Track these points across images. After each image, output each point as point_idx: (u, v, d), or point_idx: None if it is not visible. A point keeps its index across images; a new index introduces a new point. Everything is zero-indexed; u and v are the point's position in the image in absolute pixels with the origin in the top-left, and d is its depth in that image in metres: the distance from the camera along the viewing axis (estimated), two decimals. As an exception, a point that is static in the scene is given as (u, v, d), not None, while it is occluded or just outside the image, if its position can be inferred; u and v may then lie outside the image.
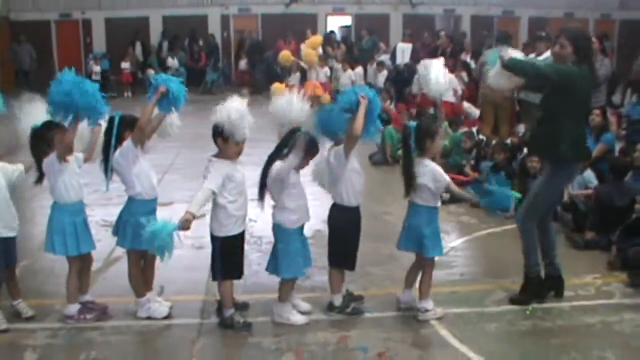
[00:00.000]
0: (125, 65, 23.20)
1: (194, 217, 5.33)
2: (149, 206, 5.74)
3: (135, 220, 5.64)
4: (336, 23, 26.57)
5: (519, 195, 6.25)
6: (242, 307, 5.89)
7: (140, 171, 5.64)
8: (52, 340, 5.60)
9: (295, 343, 5.50)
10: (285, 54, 18.25)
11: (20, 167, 5.87)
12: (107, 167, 5.66)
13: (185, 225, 5.28)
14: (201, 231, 6.64)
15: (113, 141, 5.61)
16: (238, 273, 5.71)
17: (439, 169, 5.75)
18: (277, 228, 5.73)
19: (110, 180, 5.70)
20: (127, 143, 5.56)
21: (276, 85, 17.07)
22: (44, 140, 5.66)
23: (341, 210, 5.83)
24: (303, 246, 5.75)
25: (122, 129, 5.63)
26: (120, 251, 6.93)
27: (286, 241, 5.66)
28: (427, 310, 5.89)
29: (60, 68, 19.01)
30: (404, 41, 19.46)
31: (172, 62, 23.75)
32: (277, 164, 5.54)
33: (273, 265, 5.74)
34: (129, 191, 5.70)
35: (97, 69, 22.62)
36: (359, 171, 5.86)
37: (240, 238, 5.68)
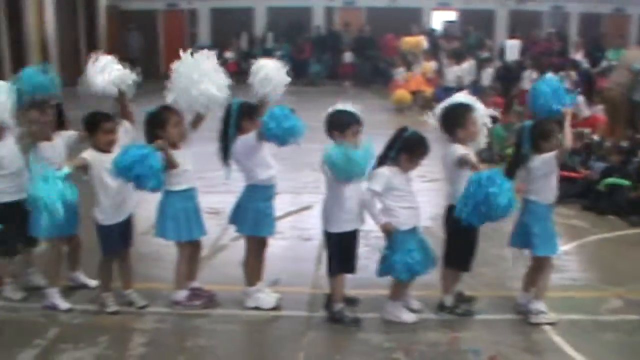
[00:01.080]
0: (229, 55, 23.44)
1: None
2: (269, 193, 5.68)
3: (255, 206, 5.60)
4: (441, 18, 26.26)
5: None
6: (352, 302, 5.77)
7: (261, 159, 5.58)
8: (160, 324, 5.62)
9: (405, 341, 5.36)
10: (410, 42, 17.96)
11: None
12: (226, 155, 5.62)
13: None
14: (309, 223, 6.66)
15: (232, 130, 5.56)
16: (352, 267, 5.60)
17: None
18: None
19: (229, 168, 5.67)
20: (251, 136, 5.50)
21: (400, 93, 17.01)
22: (158, 125, 5.65)
23: None
24: (420, 248, 5.56)
25: (241, 117, 5.58)
26: (228, 239, 6.97)
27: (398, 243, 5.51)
28: (540, 313, 5.66)
29: (167, 57, 19.52)
30: (511, 38, 19.08)
31: (277, 53, 23.86)
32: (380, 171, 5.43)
33: (386, 267, 5.58)
34: (249, 179, 5.65)
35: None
36: None
37: (355, 234, 5.56)
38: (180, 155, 5.61)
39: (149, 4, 26.57)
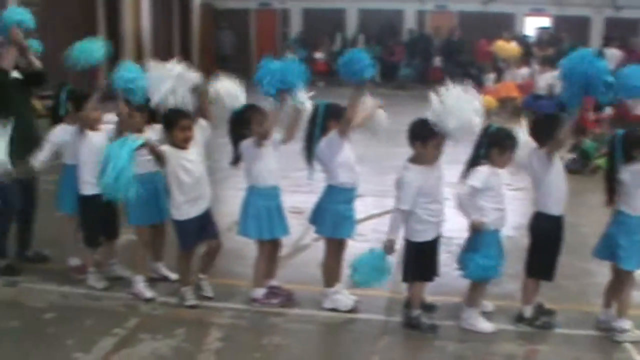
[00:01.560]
0: (319, 55, 23.55)
1: (394, 241, 5.35)
2: (349, 195, 5.66)
3: (334, 208, 5.59)
4: (534, 24, 25.78)
5: None
6: (429, 308, 5.70)
7: (344, 160, 5.56)
8: (237, 320, 5.67)
9: (480, 351, 5.27)
10: (504, 47, 17.65)
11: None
12: (311, 156, 5.63)
13: (390, 251, 5.33)
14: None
15: (317, 130, 5.57)
16: (431, 275, 5.52)
17: None
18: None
19: (313, 169, 5.68)
20: (333, 134, 5.51)
21: (486, 98, 16.69)
22: (243, 123, 5.69)
23: (545, 219, 5.51)
24: (499, 253, 5.48)
25: (327, 119, 5.58)
26: (309, 239, 6.98)
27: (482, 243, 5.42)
28: (624, 331, 5.48)
29: (258, 55, 19.62)
30: (606, 45, 18.56)
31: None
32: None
33: (467, 266, 5.49)
34: (331, 180, 5.64)
35: (292, 56, 23.13)
36: (564, 176, 5.53)
37: (435, 242, 5.47)
38: (266, 154, 5.64)
39: (242, 3, 26.90)
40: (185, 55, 25.98)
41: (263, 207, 5.68)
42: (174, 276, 6.30)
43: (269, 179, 5.70)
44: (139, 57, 21.79)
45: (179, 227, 5.75)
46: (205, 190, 5.74)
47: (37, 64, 6.57)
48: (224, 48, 23.31)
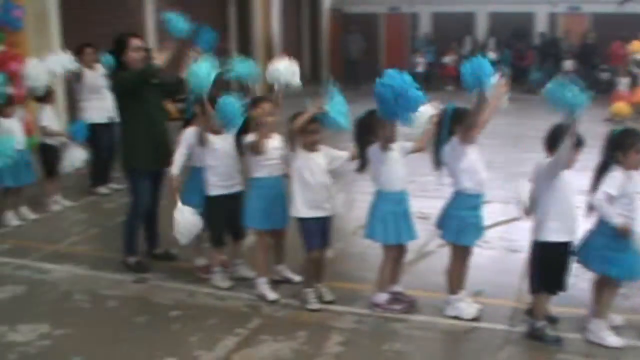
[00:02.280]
0: (448, 59, 23.32)
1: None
2: (475, 201, 5.53)
3: (459, 214, 5.50)
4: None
5: None
6: (552, 320, 5.51)
7: (469, 166, 5.46)
8: (358, 325, 5.64)
9: (608, 367, 5.06)
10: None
11: (344, 155, 5.91)
12: (438, 160, 5.56)
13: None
14: (518, 234, 6.41)
15: (444, 134, 5.48)
16: (558, 287, 5.32)
17: None
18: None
19: (441, 174, 5.60)
20: (456, 140, 5.43)
21: (619, 105, 16.16)
22: (369, 129, 5.67)
23: None
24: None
25: (454, 123, 5.48)
26: (434, 245, 6.89)
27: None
28: None
29: (387, 60, 19.59)
30: None
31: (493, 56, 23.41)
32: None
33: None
34: (456, 185, 5.55)
35: (421, 60, 23.06)
36: None
37: (566, 248, 5.27)
38: (393, 159, 5.61)
39: (371, 8, 26.93)
40: (314, 59, 26.35)
41: (390, 212, 5.64)
42: (296, 278, 6.34)
43: (396, 185, 5.66)
44: (268, 60, 22.19)
45: (302, 226, 5.81)
46: (327, 197, 5.77)
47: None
48: (352, 52, 23.32)
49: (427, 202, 7.56)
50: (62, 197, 9.35)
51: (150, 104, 6.51)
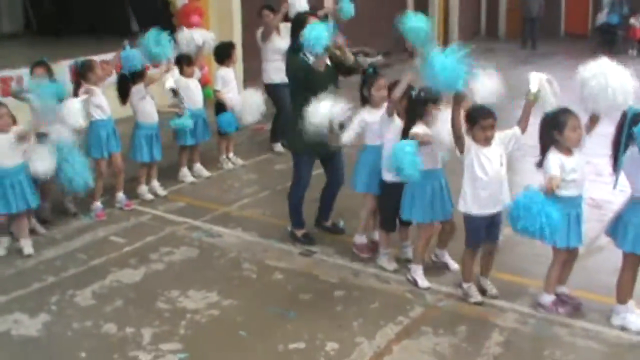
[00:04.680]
0: (633, 21, 22.08)
1: None
2: None
3: (637, 222, 5.22)
4: None
5: None
6: None
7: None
8: (519, 325, 5.54)
9: None
10: None
11: (517, 131, 5.66)
12: (617, 165, 5.26)
13: None
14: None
15: (623, 139, 5.21)
16: None
17: None
18: None
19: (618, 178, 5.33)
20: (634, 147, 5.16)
21: None
22: (555, 128, 5.38)
23: None
24: None
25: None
26: (606, 240, 6.58)
27: None
28: None
29: (567, 18, 18.66)
30: None
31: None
32: None
33: None
34: (635, 192, 5.28)
35: (602, 18, 22.02)
36: None
37: None
38: (573, 162, 5.41)
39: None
40: (491, 15, 25.69)
41: (564, 216, 5.40)
42: (455, 266, 6.32)
43: (571, 189, 5.43)
44: (445, 13, 21.87)
45: (467, 221, 5.74)
46: (500, 192, 5.64)
47: (351, 58, 6.75)
48: (532, 10, 22.46)
49: (599, 188, 7.30)
50: (235, 155, 9.65)
51: (323, 89, 6.52)
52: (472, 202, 5.63)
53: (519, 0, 23.36)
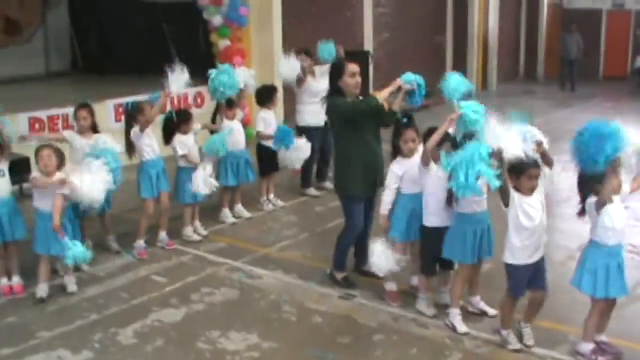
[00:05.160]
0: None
1: None
2: None
3: None
4: None
5: None
6: None
7: None
8: (558, 373, 5.53)
9: None
10: None
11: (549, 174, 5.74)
12: None
13: None
14: None
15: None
16: None
17: None
18: None
19: None
20: None
21: None
22: (597, 179, 5.37)
23: None
24: None
25: None
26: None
27: None
28: None
29: (607, 61, 18.85)
30: None
31: None
32: None
33: None
34: None
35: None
36: None
37: None
38: (613, 210, 5.39)
39: (594, 3, 25.83)
40: (530, 57, 25.74)
41: (602, 265, 5.44)
42: (492, 312, 6.32)
43: (612, 238, 5.43)
44: (484, 56, 21.95)
45: (511, 271, 5.73)
46: (543, 238, 5.66)
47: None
48: (571, 52, 22.46)
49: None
50: (275, 197, 9.76)
51: (367, 131, 6.64)
52: (520, 252, 5.62)
53: (558, 42, 23.40)
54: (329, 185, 10.13)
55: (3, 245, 6.90)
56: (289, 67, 9.60)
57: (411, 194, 6.43)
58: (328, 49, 10.10)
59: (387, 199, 6.52)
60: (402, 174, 6.42)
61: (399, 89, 6.44)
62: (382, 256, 6.26)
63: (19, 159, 8.61)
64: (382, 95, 6.38)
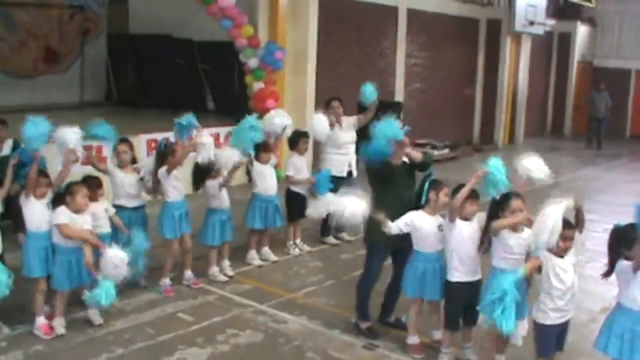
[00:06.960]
0: None
1: None
2: None
3: None
4: None
5: None
6: None
7: None
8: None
9: None
10: None
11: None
12: None
13: None
14: None
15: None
16: None
17: None
18: None
19: None
20: None
21: None
22: (625, 243, 5.38)
23: None
24: None
25: None
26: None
27: None
28: None
29: (634, 119, 18.81)
30: None
31: None
32: None
33: None
34: None
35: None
36: None
37: None
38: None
39: (624, 63, 25.95)
40: (558, 113, 25.83)
41: (629, 329, 5.41)
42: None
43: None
44: (512, 111, 22.05)
45: (540, 330, 5.76)
46: (574, 300, 5.71)
47: (419, 158, 6.96)
48: (599, 110, 22.53)
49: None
50: (302, 242, 9.86)
51: (400, 184, 6.77)
52: (552, 312, 5.66)
53: (586, 100, 23.50)
54: (346, 236, 10.29)
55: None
56: (319, 125, 9.67)
57: (425, 253, 6.53)
58: (369, 91, 10.01)
59: (394, 224, 6.53)
60: (418, 225, 6.48)
61: None
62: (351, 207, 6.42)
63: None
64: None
